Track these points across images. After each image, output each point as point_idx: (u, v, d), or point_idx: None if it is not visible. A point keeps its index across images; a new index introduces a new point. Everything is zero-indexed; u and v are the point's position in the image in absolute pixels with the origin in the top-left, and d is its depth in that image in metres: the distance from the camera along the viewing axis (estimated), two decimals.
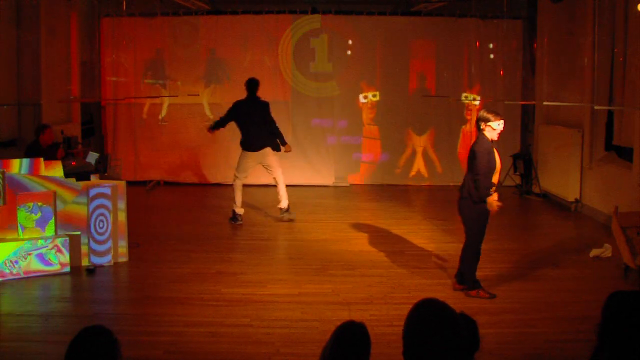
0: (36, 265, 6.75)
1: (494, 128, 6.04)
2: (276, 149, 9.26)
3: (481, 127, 6.07)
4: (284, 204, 9.37)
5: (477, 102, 12.35)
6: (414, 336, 2.31)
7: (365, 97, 12.52)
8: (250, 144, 9.17)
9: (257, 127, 9.14)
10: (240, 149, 9.37)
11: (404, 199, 11.34)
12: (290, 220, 9.35)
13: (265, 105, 9.25)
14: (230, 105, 9.38)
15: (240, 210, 9.29)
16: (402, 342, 2.34)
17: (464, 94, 12.39)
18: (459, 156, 12.38)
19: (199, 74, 12.45)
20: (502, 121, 6.08)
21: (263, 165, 9.35)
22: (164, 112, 12.58)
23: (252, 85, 9.25)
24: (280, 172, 9.35)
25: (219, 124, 9.47)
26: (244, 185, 9.08)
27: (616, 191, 8.95)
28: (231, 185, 9.52)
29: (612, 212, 7.16)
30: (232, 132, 12.44)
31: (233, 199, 9.30)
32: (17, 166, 6.96)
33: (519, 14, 12.03)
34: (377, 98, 12.52)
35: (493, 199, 6.03)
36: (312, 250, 8.01)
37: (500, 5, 10.39)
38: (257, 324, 5.51)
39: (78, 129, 11.42)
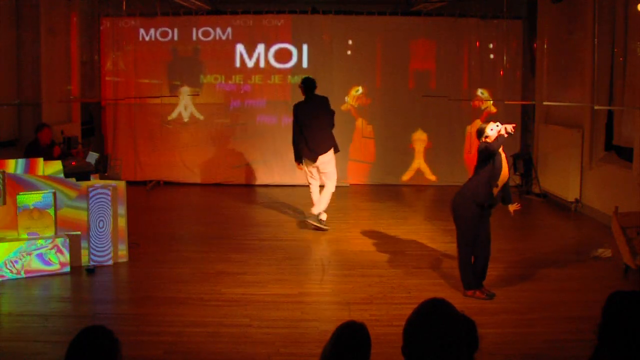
0: (36, 265, 6.75)
1: (488, 134, 6.05)
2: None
3: (483, 139, 6.11)
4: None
5: (487, 99, 12.33)
6: (412, 332, 2.32)
7: (357, 91, 12.51)
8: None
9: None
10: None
11: (404, 199, 11.34)
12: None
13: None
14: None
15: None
16: (402, 338, 2.35)
17: (479, 90, 12.36)
18: (465, 156, 12.38)
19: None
20: (493, 123, 6.11)
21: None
22: (174, 115, 12.55)
23: (312, 84, 8.83)
24: None
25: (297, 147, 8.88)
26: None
27: (616, 191, 8.95)
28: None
29: (612, 212, 7.16)
30: (233, 132, 12.53)
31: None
32: (13, 166, 6.95)
33: (519, 14, 12.03)
34: (360, 92, 12.51)
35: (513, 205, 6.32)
36: (312, 250, 8.02)
37: (500, 5, 10.40)
38: (257, 324, 5.51)
39: (78, 129, 11.42)
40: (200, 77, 12.44)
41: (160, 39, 12.31)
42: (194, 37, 12.35)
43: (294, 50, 12.34)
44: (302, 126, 8.73)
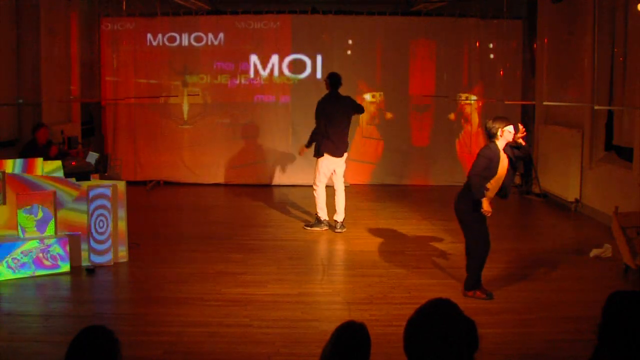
0: (36, 265, 6.75)
1: (510, 131, 6.07)
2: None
3: (498, 134, 6.06)
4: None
5: (472, 101, 12.34)
6: (413, 331, 2.33)
7: (374, 97, 12.49)
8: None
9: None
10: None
11: (404, 199, 11.33)
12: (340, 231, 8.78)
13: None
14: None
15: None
16: (403, 337, 2.35)
17: (459, 94, 12.36)
18: (458, 155, 12.41)
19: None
20: (511, 126, 6.11)
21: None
22: (186, 115, 12.57)
23: (338, 80, 8.73)
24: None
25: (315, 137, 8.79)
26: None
27: (616, 191, 8.95)
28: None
29: (612, 212, 7.16)
30: (233, 132, 12.53)
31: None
32: (11, 166, 6.95)
33: (519, 14, 12.03)
34: (382, 97, 12.51)
35: (486, 203, 5.97)
36: (312, 250, 8.02)
37: (500, 5, 10.39)
38: (257, 324, 5.51)
39: (78, 129, 11.43)
40: (200, 77, 12.44)
41: (160, 38, 12.31)
42: (195, 37, 12.35)
43: (308, 61, 12.33)
44: (326, 121, 8.57)
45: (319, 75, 12.24)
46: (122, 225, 7.35)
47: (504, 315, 5.76)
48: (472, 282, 6.19)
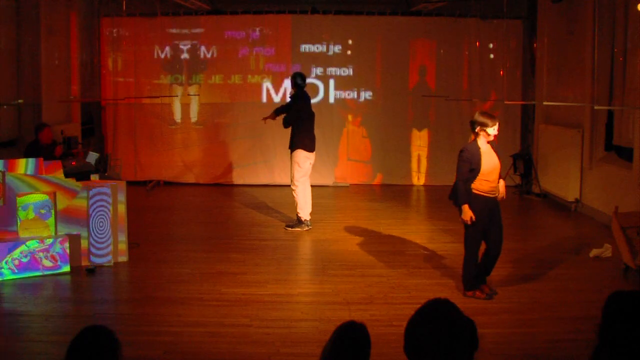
0: (36, 265, 6.75)
1: (489, 133, 6.03)
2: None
3: (476, 131, 6.05)
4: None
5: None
6: (414, 332, 2.33)
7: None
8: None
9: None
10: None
11: (404, 199, 11.34)
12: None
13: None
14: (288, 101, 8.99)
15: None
16: (404, 337, 2.35)
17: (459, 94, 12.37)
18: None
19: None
20: (497, 125, 6.08)
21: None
22: (195, 115, 12.56)
23: (304, 78, 8.93)
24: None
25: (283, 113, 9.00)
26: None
27: (616, 191, 8.95)
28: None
29: (612, 212, 7.16)
30: (233, 132, 12.53)
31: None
32: (23, 167, 6.97)
33: (519, 14, 12.04)
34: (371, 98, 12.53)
35: (466, 209, 5.97)
36: (312, 250, 8.02)
37: (500, 5, 10.39)
38: (257, 324, 5.52)
39: (78, 129, 11.42)
40: (201, 77, 12.44)
41: (161, 38, 12.31)
42: (194, 37, 12.35)
43: (321, 86, 12.33)
44: (304, 119, 8.73)
45: (331, 99, 12.36)
46: (122, 225, 7.34)
47: (504, 315, 5.77)
48: (468, 281, 6.19)
